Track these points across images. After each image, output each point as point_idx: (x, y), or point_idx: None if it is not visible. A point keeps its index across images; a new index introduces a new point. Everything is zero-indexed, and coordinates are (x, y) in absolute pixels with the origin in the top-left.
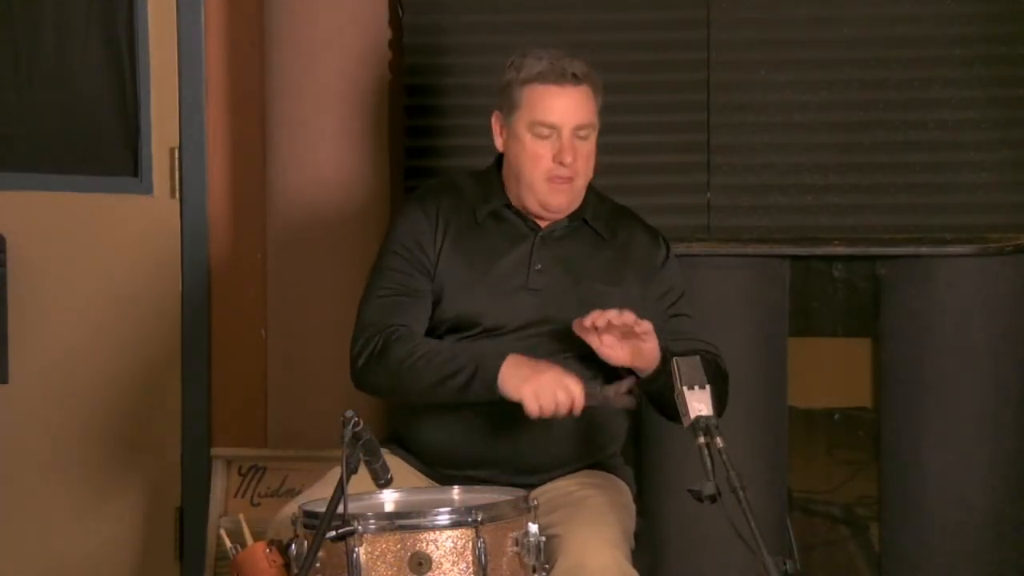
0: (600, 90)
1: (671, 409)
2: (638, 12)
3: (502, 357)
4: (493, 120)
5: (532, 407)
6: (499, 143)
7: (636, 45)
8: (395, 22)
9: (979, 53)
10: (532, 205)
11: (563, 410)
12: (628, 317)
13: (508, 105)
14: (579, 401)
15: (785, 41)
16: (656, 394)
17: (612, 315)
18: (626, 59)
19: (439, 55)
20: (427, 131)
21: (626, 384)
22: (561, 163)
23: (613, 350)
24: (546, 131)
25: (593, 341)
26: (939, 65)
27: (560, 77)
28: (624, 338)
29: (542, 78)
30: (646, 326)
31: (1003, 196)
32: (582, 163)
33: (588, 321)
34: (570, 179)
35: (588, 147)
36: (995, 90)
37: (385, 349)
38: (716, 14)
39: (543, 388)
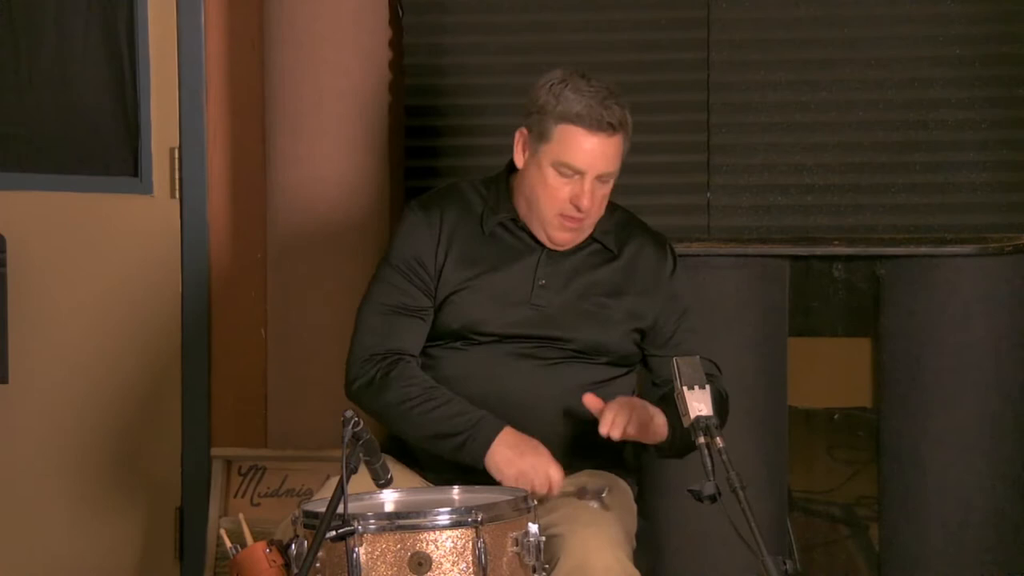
0: (630, 137)
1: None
2: (638, 12)
3: (495, 432)
4: (517, 135)
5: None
6: (519, 160)
7: (636, 45)
8: (395, 22)
9: (979, 53)
10: (538, 233)
11: (542, 494)
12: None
13: (538, 131)
14: (556, 490)
15: (785, 41)
16: (675, 456)
17: (587, 399)
18: (626, 59)
19: (439, 55)
20: (427, 131)
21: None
22: (577, 207)
23: (617, 429)
24: (570, 172)
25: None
26: (939, 65)
27: (596, 124)
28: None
29: (579, 120)
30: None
31: (1003, 196)
32: (596, 207)
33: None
34: (581, 220)
35: (605, 190)
36: (995, 90)
37: (383, 384)
38: (716, 14)
39: (524, 475)
